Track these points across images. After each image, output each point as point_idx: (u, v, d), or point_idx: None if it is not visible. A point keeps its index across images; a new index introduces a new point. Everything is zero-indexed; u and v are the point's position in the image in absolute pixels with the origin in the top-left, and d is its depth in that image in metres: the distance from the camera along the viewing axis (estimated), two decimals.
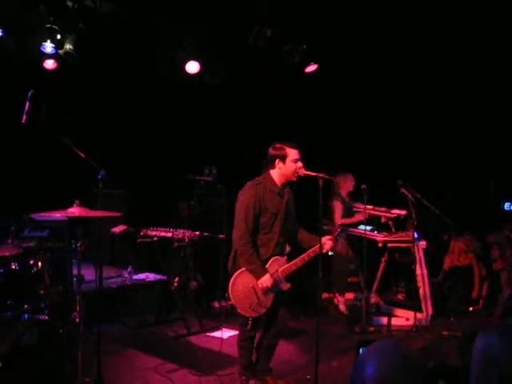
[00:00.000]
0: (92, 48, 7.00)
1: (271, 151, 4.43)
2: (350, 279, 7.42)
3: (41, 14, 6.48)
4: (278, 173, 4.41)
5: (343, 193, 7.22)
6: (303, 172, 4.35)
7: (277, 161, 4.38)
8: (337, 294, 7.29)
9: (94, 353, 4.27)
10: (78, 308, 4.08)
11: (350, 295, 7.51)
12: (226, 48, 7.54)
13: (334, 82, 8.17)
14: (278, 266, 4.38)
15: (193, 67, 7.59)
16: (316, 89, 8.18)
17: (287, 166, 4.36)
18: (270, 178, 4.44)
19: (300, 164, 4.37)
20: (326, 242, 4.34)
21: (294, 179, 4.42)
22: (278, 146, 4.40)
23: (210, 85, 7.82)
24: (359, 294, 7.11)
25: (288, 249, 4.71)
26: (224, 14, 6.93)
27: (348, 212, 7.20)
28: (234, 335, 5.39)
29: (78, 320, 4.07)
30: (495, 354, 1.59)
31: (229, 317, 6.29)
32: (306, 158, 4.43)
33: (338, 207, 7.15)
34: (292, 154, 4.35)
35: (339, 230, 4.68)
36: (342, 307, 7.15)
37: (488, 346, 1.62)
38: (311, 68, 7.93)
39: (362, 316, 6.36)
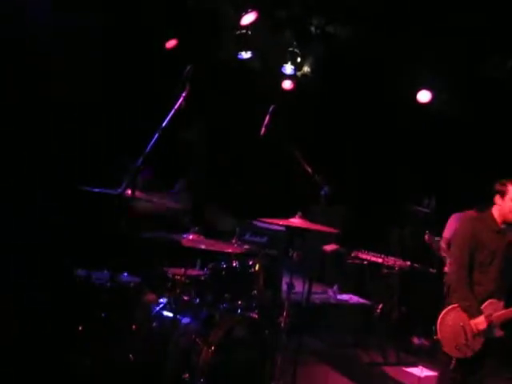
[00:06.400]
0: (328, 70, 7.37)
1: (495, 186, 4.23)
2: None
3: (286, 38, 7.07)
4: (498, 210, 4.19)
5: None
6: None
7: (497, 196, 4.18)
8: None
9: (292, 359, 4.47)
10: (285, 314, 4.31)
11: None
12: (460, 77, 7.31)
13: None
14: (494, 310, 4.08)
15: (424, 96, 7.56)
16: None
17: (505, 203, 4.11)
18: (491, 214, 4.22)
19: None
20: None
21: None
22: (502, 181, 4.19)
23: (439, 115, 7.68)
24: None
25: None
26: (458, 42, 6.75)
27: None
28: (432, 375, 5.18)
29: (283, 325, 4.30)
30: None
31: (427, 355, 6.05)
32: None
33: None
34: None
35: None
36: None
37: None
38: None
39: None
